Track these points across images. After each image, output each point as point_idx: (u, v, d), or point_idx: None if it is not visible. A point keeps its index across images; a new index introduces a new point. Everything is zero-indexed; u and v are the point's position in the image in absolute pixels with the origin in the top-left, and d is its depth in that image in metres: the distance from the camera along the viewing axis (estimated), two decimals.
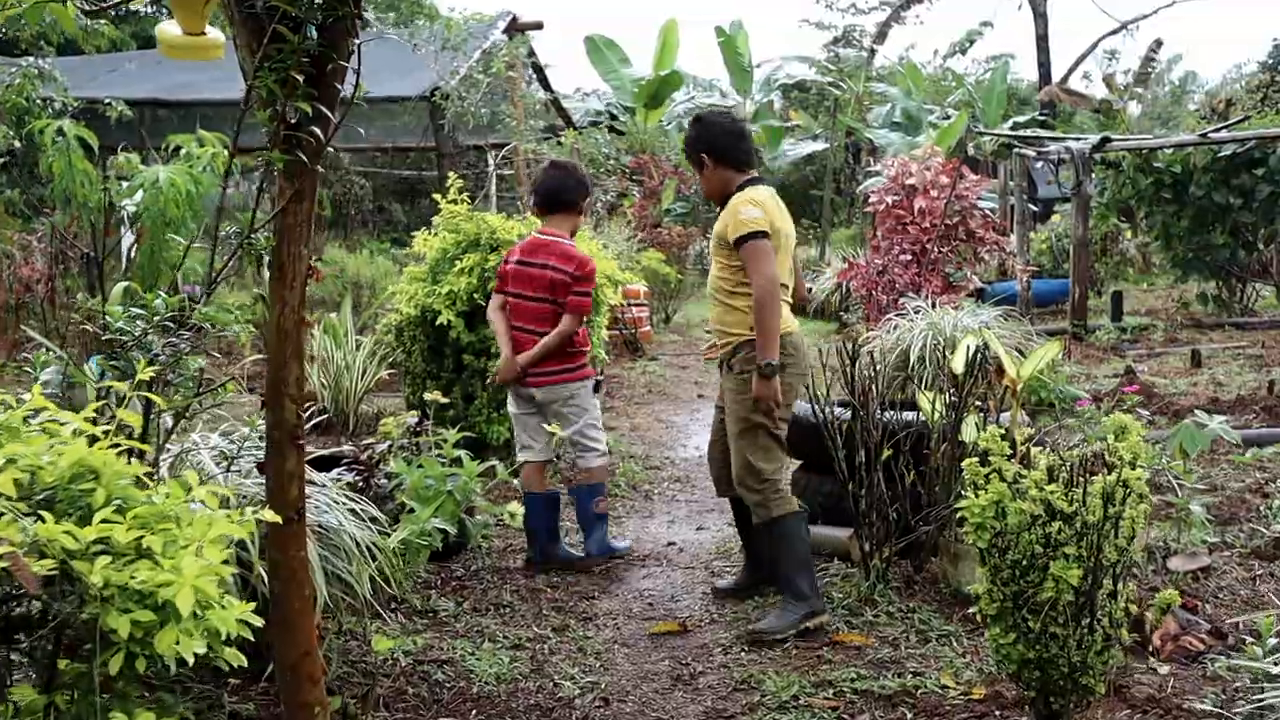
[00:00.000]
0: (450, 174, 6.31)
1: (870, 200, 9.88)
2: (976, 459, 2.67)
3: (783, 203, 4.13)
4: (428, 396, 3.98)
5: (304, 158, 2.39)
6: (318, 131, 2.40)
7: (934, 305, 7.51)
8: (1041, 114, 23.35)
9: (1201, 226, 12.78)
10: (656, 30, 22.13)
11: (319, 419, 7.07)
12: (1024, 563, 2.66)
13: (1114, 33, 27.11)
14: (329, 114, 2.41)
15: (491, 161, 13.85)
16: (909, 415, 4.25)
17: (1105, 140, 11.32)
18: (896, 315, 7.40)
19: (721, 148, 4.07)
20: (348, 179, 24.71)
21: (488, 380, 5.78)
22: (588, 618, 3.98)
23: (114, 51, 16.23)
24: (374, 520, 3.63)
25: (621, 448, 7.09)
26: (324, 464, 4.50)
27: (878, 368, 4.29)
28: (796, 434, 4.85)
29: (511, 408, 4.63)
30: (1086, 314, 11.78)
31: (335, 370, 7.08)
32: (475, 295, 5.69)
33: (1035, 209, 15.29)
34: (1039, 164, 13.08)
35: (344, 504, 3.21)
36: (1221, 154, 12.09)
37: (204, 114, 15.11)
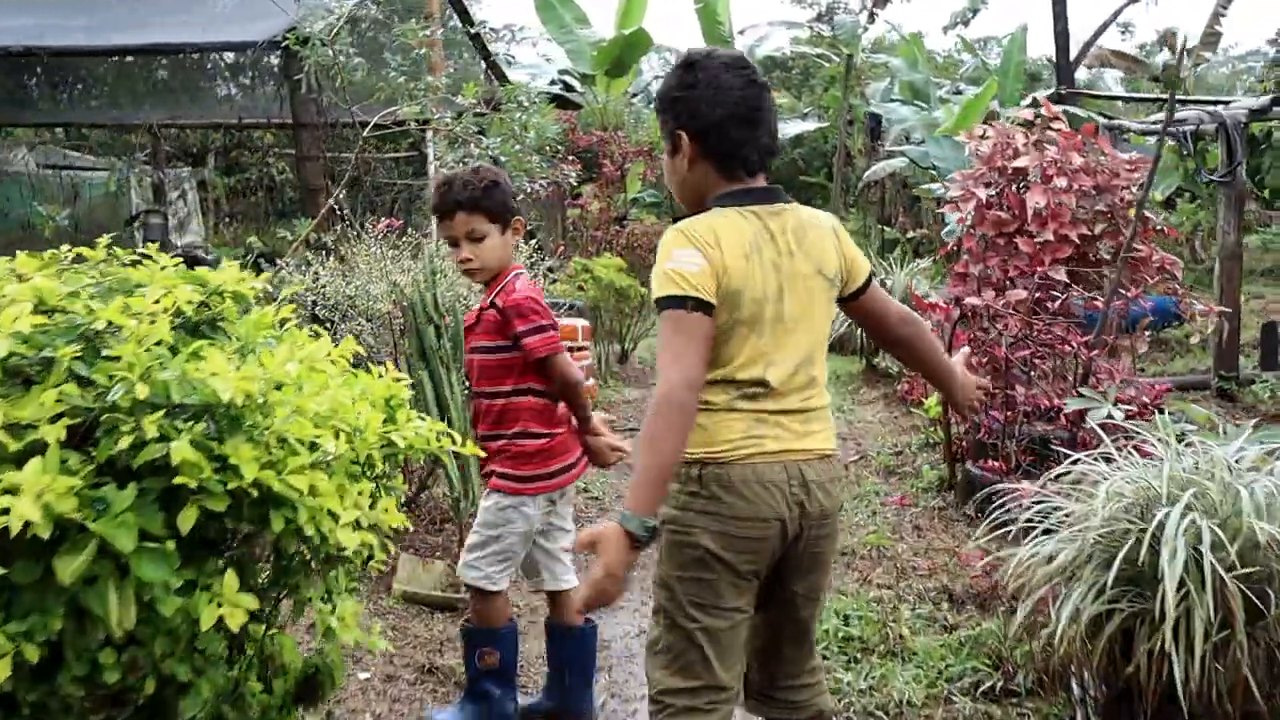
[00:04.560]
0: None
1: (950, 198, 6.03)
2: None
3: (801, 234, 2.15)
4: None
5: None
6: None
7: (1138, 414, 3.67)
8: (1060, 89, 19.87)
9: None
10: None
11: None
12: None
13: (1133, 1, 23.76)
14: None
15: (429, 137, 9.63)
16: None
17: (1277, 102, 7.59)
18: (1095, 456, 3.49)
19: (713, 126, 2.10)
20: (264, 161, 20.07)
21: None
22: None
23: None
24: None
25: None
26: None
27: None
28: None
29: None
30: (1238, 358, 8.10)
31: None
32: None
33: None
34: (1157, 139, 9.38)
35: None
36: None
37: (58, 66, 11.09)
